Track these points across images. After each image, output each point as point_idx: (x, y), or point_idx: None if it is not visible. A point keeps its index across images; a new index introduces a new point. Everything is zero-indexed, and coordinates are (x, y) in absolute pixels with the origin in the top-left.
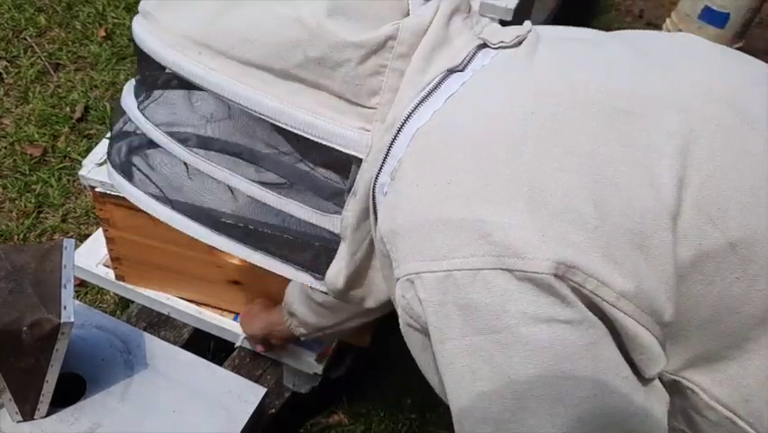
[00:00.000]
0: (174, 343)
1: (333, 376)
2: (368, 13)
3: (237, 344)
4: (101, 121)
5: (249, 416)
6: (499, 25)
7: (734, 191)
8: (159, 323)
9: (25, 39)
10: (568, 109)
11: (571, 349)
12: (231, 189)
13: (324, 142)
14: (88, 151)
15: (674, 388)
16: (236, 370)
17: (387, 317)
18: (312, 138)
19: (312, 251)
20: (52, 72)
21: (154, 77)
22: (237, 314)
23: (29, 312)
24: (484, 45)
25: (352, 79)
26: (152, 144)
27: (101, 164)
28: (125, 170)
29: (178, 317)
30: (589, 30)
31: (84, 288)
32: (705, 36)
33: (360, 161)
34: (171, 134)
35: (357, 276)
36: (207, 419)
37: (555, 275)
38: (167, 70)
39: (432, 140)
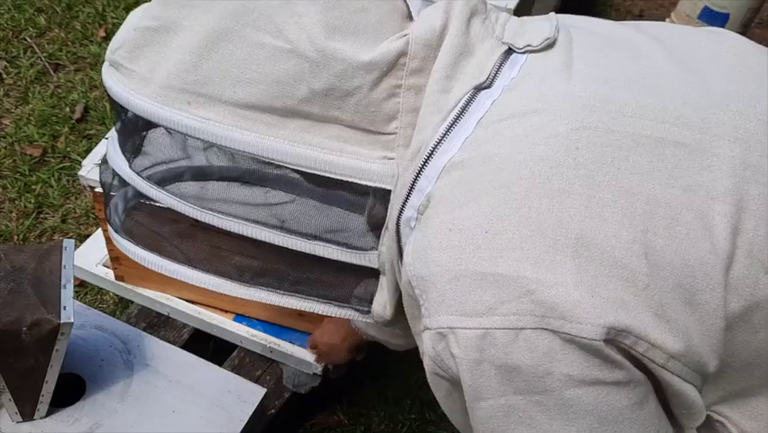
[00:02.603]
0: (174, 343)
1: (334, 376)
2: (367, 25)
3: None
4: (101, 121)
5: (249, 416)
6: (516, 20)
7: None
8: (158, 323)
9: (25, 39)
10: (617, 143)
11: (616, 410)
12: (254, 240)
13: (346, 179)
14: (88, 151)
15: (704, 420)
16: (236, 370)
17: None
18: (332, 176)
19: (352, 287)
20: (52, 72)
21: (138, 127)
22: (237, 314)
23: (29, 312)
24: (509, 50)
25: (365, 107)
26: (152, 200)
27: (101, 164)
28: (130, 232)
29: (177, 317)
30: (618, 25)
31: (84, 288)
32: None
33: (387, 192)
34: (176, 191)
35: (402, 307)
36: (207, 419)
37: (605, 340)
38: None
39: (465, 176)
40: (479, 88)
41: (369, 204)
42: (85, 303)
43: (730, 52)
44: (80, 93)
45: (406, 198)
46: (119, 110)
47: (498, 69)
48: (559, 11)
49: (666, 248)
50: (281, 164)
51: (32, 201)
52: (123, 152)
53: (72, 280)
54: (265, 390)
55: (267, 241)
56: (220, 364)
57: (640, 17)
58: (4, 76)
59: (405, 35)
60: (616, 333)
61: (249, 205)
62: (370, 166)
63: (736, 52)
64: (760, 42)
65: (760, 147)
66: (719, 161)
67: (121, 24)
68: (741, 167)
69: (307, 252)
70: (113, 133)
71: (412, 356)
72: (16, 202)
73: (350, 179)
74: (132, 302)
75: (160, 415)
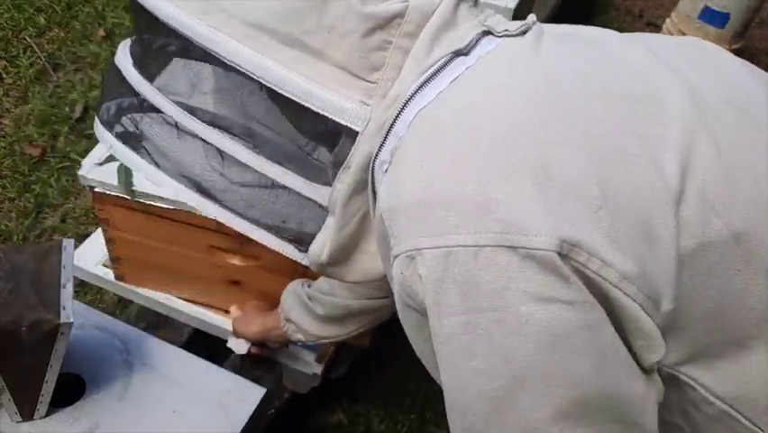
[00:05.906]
0: (174, 343)
1: (333, 376)
2: None
3: (228, 345)
4: None
5: (248, 416)
6: (499, 16)
7: (738, 184)
8: (158, 323)
9: (25, 39)
10: (575, 94)
11: (570, 329)
12: (220, 152)
13: (322, 113)
14: (88, 151)
15: (671, 382)
16: (236, 370)
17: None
18: (311, 107)
19: (297, 222)
20: (52, 72)
21: (151, 36)
22: None
23: (28, 312)
24: (488, 33)
25: (356, 51)
26: (144, 104)
27: (101, 164)
28: (114, 127)
29: (177, 317)
30: (597, 29)
31: (83, 288)
32: (704, 36)
33: (355, 133)
34: (171, 97)
35: (342, 252)
36: (207, 419)
37: (559, 253)
38: (165, 29)
39: (436, 119)
40: (457, 53)
41: (332, 141)
42: (84, 303)
43: (696, 49)
44: (80, 92)
45: (383, 142)
46: (138, 12)
47: (476, 43)
48: (559, 10)
49: (621, 182)
50: (267, 84)
51: (32, 201)
52: (132, 54)
53: (72, 280)
54: (265, 390)
55: (232, 154)
56: (220, 365)
57: (640, 17)
58: (4, 75)
59: (406, 2)
60: (569, 247)
61: (226, 118)
62: (346, 104)
63: (700, 49)
64: (760, 43)
65: (712, 105)
66: (672, 113)
67: (120, 24)
68: (694, 118)
69: (263, 171)
70: (126, 40)
71: (412, 356)
72: (16, 202)
73: (324, 113)
74: (132, 302)
75: (160, 415)
